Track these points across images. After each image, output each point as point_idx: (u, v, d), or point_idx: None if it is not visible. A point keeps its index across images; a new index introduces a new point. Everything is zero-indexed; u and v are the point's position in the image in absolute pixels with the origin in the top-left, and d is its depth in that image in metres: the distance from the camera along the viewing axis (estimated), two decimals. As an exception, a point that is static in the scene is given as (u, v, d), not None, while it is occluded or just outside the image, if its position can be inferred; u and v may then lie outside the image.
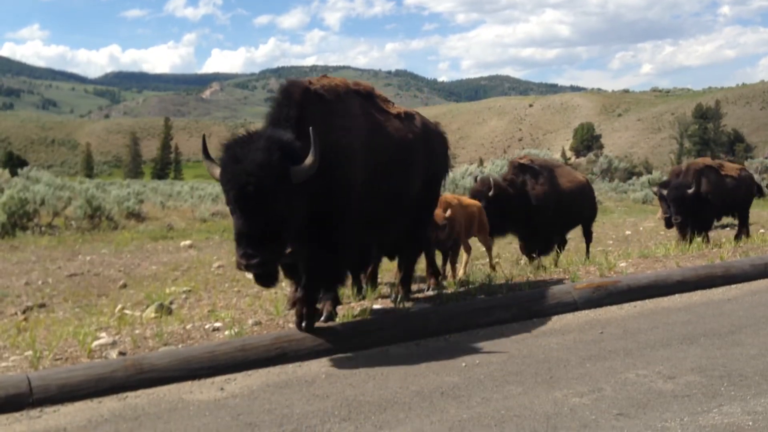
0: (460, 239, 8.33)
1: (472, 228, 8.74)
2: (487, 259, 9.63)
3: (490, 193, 9.20)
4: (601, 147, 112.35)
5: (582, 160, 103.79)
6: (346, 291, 6.52)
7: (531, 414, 3.77)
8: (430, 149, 6.36)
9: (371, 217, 5.58)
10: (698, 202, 11.16)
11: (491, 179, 9.54)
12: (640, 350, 4.91)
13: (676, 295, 6.62)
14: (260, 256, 4.47)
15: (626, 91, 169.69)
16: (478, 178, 10.03)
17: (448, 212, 7.54)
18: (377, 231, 5.92)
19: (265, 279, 4.82)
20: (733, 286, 6.98)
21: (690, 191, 11.04)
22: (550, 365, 4.63)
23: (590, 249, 11.02)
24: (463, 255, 8.83)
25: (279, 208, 4.52)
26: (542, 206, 9.73)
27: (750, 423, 3.54)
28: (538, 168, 9.89)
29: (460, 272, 8.45)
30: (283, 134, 4.71)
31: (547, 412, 3.79)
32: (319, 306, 5.41)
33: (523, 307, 5.95)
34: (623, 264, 7.80)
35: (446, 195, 8.14)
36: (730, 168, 12.27)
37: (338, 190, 5.10)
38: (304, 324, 5.10)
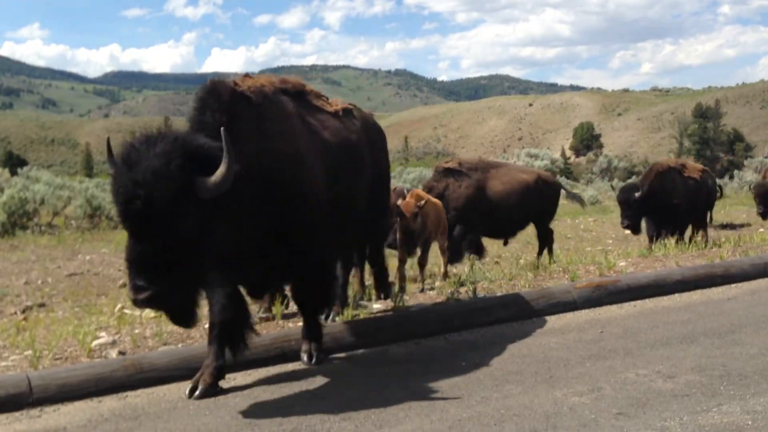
0: (431, 238, 7.93)
1: (438, 229, 8.28)
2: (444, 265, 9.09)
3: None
4: (601, 146, 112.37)
5: (582, 159, 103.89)
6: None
7: (531, 413, 3.77)
8: (373, 146, 5.80)
9: (333, 224, 4.97)
10: (662, 206, 10.76)
11: (404, 190, 8.96)
12: (639, 349, 4.91)
13: (676, 295, 6.62)
14: (152, 289, 3.59)
15: (626, 91, 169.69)
16: (395, 190, 9.58)
17: (422, 202, 7.19)
18: (341, 239, 5.33)
19: (176, 316, 3.94)
20: (733, 285, 6.98)
21: (638, 194, 10.64)
22: (549, 364, 4.63)
23: (552, 250, 10.47)
24: (441, 257, 8.53)
25: (181, 228, 3.64)
26: (461, 210, 9.48)
27: (749, 422, 3.54)
28: (464, 171, 9.59)
29: (442, 272, 8.30)
30: (196, 138, 3.86)
31: (546, 411, 3.79)
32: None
33: (523, 307, 5.95)
34: (623, 263, 7.80)
35: (417, 190, 7.95)
36: (693, 169, 11.84)
37: (295, 203, 4.41)
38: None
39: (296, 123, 4.70)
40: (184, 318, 3.94)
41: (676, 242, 10.02)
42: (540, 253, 10.44)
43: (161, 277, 3.60)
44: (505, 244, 11.31)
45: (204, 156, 3.75)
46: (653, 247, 10.07)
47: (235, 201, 3.88)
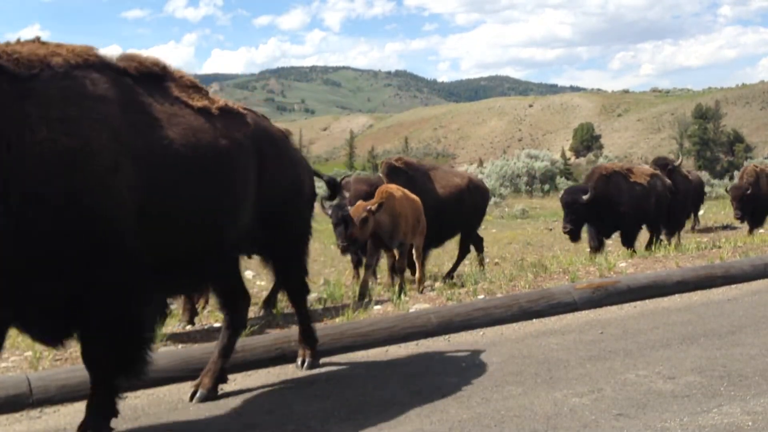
0: (407, 240, 7.29)
1: (417, 228, 7.65)
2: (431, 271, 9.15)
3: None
4: (601, 147, 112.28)
5: (582, 160, 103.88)
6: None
7: (531, 414, 3.77)
8: (267, 164, 4.31)
9: (163, 257, 3.66)
10: (606, 212, 10.10)
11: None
12: (640, 350, 4.91)
13: (676, 296, 6.63)
14: None
15: (626, 92, 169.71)
16: (353, 177, 9.25)
17: (374, 206, 6.54)
18: (176, 278, 3.99)
19: None
20: (733, 286, 6.98)
21: (585, 197, 9.88)
22: (549, 365, 4.63)
23: (460, 263, 9.91)
24: (417, 265, 7.94)
25: None
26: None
27: (750, 423, 3.54)
28: (410, 173, 9.02)
29: (417, 283, 7.66)
30: None
31: (547, 412, 3.79)
32: None
33: (523, 308, 5.95)
34: (623, 264, 7.81)
35: (389, 185, 7.38)
36: (640, 174, 11.04)
37: (66, 222, 3.16)
38: None
39: (104, 110, 3.43)
40: None
41: (631, 255, 9.44)
42: (457, 263, 9.79)
43: None
44: (436, 246, 10.20)
45: None
46: (595, 258, 9.40)
47: None
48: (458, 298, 6.38)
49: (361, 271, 8.10)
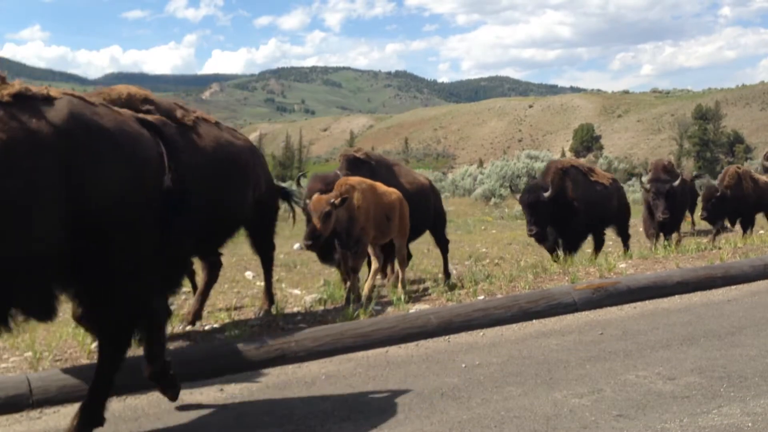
0: (366, 238, 6.58)
1: (389, 226, 6.89)
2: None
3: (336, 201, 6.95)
4: (601, 148, 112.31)
5: (582, 161, 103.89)
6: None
7: (531, 415, 3.77)
8: (83, 170, 3.34)
9: None
10: (561, 209, 9.27)
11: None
12: (639, 351, 4.91)
13: (676, 296, 6.62)
14: None
15: (626, 92, 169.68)
16: (310, 175, 8.17)
17: (337, 200, 6.04)
18: None
19: None
20: (733, 287, 6.98)
21: (546, 194, 9.08)
22: (549, 366, 4.63)
23: (447, 257, 9.06)
24: (373, 263, 7.32)
25: None
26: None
27: (749, 424, 3.54)
28: (374, 165, 8.14)
29: (365, 288, 6.77)
30: None
31: (546, 413, 3.79)
32: None
33: (523, 308, 5.95)
34: (623, 265, 7.80)
35: (351, 177, 6.74)
36: (601, 174, 10.29)
37: None
38: None
39: None
40: None
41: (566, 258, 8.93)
42: (446, 262, 9.01)
43: None
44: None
45: None
46: (553, 259, 8.93)
47: None
48: (458, 298, 6.38)
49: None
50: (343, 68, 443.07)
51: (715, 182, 14.03)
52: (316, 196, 6.16)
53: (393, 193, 7.04)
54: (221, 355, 4.75)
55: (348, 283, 6.64)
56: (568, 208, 9.37)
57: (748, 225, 13.87)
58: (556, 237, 9.69)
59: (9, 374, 4.45)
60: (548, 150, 63.40)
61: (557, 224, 9.45)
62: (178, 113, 5.33)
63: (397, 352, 5.10)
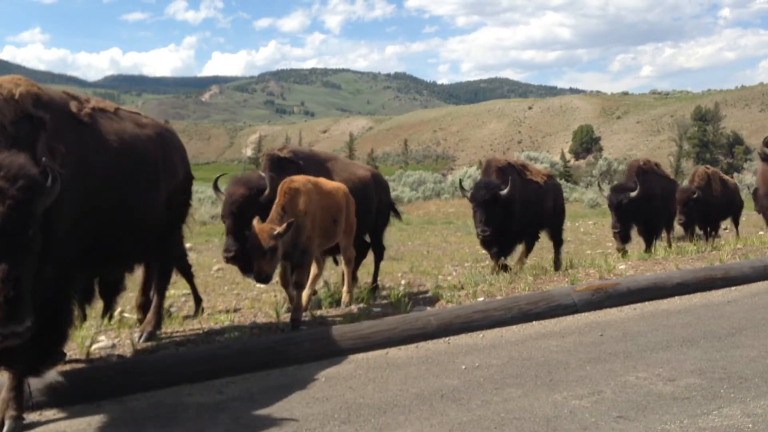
0: (313, 248, 5.86)
1: (335, 229, 6.24)
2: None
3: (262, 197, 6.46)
4: (601, 149, 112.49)
5: (581, 162, 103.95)
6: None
7: (531, 416, 3.76)
8: None
9: None
10: (503, 211, 8.47)
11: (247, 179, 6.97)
12: (639, 353, 4.91)
13: (676, 298, 6.62)
14: None
15: (625, 94, 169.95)
16: (230, 178, 7.27)
17: (281, 229, 5.22)
18: None
19: None
20: (733, 288, 6.98)
21: (503, 192, 8.30)
22: (549, 368, 4.63)
23: (379, 265, 8.38)
24: (313, 268, 6.47)
25: None
26: None
27: (750, 425, 3.54)
28: (301, 163, 7.20)
29: (305, 295, 6.09)
30: None
31: (547, 414, 3.79)
32: None
33: (523, 310, 5.95)
34: (623, 266, 7.80)
35: (296, 178, 5.89)
36: (536, 172, 9.56)
37: None
38: None
39: None
40: None
41: (497, 270, 8.28)
42: (377, 270, 8.31)
43: None
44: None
45: None
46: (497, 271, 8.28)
47: None
48: (458, 300, 6.38)
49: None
50: (343, 70, 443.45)
51: (684, 184, 13.10)
52: (257, 226, 5.27)
53: (339, 189, 6.38)
54: (221, 357, 4.75)
55: (288, 300, 5.95)
56: (508, 211, 8.61)
57: (713, 229, 12.98)
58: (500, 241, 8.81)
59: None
60: (548, 151, 63.46)
61: (501, 230, 8.59)
62: (73, 106, 4.46)
63: (397, 354, 5.09)
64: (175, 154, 5.47)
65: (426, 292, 7.41)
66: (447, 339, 5.42)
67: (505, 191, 8.34)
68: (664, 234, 11.98)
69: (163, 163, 5.18)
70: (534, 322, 5.86)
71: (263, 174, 6.74)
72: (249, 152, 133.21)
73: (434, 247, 13.97)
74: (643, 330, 5.53)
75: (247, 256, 5.59)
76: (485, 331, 5.60)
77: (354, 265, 6.99)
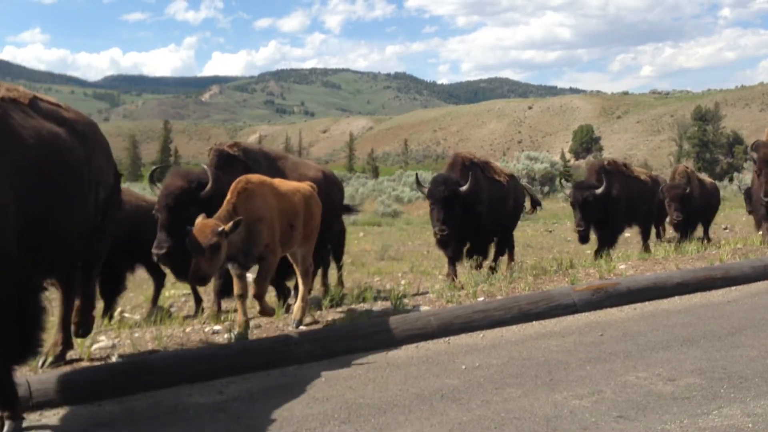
0: (274, 257, 5.24)
1: (292, 235, 5.47)
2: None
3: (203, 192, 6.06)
4: (601, 149, 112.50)
5: (581, 162, 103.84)
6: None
7: (531, 416, 3.77)
8: None
9: None
10: (464, 209, 8.02)
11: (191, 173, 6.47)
12: (640, 352, 4.91)
13: (676, 297, 6.62)
14: None
15: (625, 93, 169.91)
16: (170, 171, 6.80)
17: (227, 226, 4.66)
18: None
19: None
20: (733, 288, 6.97)
21: (463, 189, 7.85)
22: (549, 368, 4.63)
23: (341, 272, 8.06)
24: (236, 287, 5.40)
25: None
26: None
27: (750, 425, 3.54)
28: (250, 162, 6.71)
29: (239, 319, 5.29)
30: None
31: (547, 414, 3.79)
32: None
33: (523, 310, 5.95)
34: (623, 266, 7.80)
35: (252, 177, 5.27)
36: (499, 170, 9.04)
37: None
38: None
39: None
40: None
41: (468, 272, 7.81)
42: (340, 276, 7.99)
43: None
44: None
45: None
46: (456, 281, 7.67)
47: None
48: (458, 300, 6.38)
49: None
50: (343, 70, 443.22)
51: (668, 181, 12.15)
52: (200, 221, 4.72)
53: (297, 191, 5.68)
54: (221, 357, 4.75)
55: (240, 315, 5.25)
56: (472, 209, 8.17)
57: (688, 230, 12.14)
58: (461, 244, 8.45)
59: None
60: (548, 151, 63.43)
61: (464, 231, 8.22)
62: None
63: (397, 354, 5.09)
64: (101, 153, 4.72)
65: (426, 292, 7.41)
66: (447, 339, 5.42)
67: (464, 188, 7.86)
68: (652, 232, 11.55)
69: (89, 165, 4.43)
70: (534, 322, 5.86)
71: (207, 168, 6.30)
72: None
73: (434, 246, 13.94)
74: (643, 330, 5.53)
75: (183, 257, 5.06)
76: (485, 331, 5.60)
77: (313, 277, 6.25)
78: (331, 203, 7.44)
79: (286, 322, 5.69)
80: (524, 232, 17.86)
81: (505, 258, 9.76)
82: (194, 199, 5.90)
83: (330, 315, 6.08)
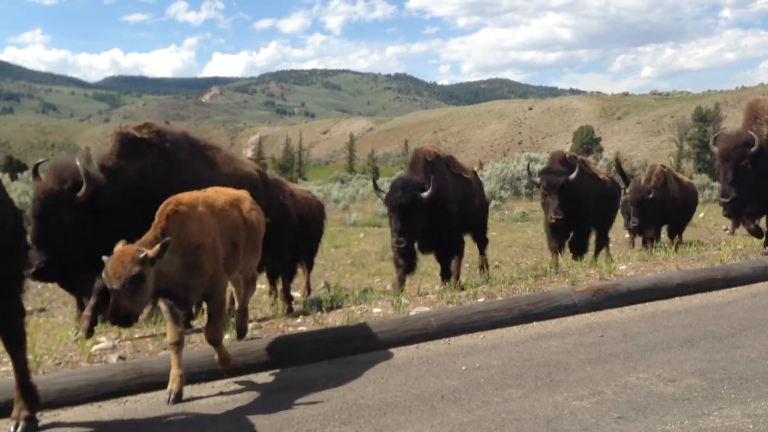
0: (218, 287, 4.38)
1: (235, 254, 4.60)
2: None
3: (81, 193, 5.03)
4: (601, 150, 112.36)
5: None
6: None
7: (531, 417, 3.76)
8: None
9: None
10: (436, 212, 7.34)
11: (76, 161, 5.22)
12: (640, 353, 4.90)
13: (676, 298, 6.61)
14: None
15: (626, 94, 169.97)
16: (49, 164, 5.57)
17: (152, 250, 3.73)
18: None
19: None
20: (733, 288, 6.97)
21: (425, 195, 7.11)
22: (550, 368, 4.62)
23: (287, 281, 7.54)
24: (169, 328, 4.32)
25: None
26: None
27: (750, 426, 3.54)
28: (168, 146, 5.60)
29: (173, 370, 4.24)
30: None
31: (547, 415, 3.79)
32: None
33: (523, 311, 5.94)
34: (623, 267, 7.80)
35: (183, 196, 4.25)
36: (464, 167, 8.47)
37: None
38: None
39: None
40: None
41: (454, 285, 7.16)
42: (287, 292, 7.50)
43: None
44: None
45: None
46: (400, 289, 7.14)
47: None
48: (458, 301, 6.37)
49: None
50: (343, 71, 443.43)
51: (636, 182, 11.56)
52: (118, 249, 3.76)
53: (234, 202, 4.74)
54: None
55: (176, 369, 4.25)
56: (441, 210, 7.47)
57: (676, 233, 11.70)
58: (425, 247, 7.78)
59: (9, 378, 4.44)
60: (548, 152, 63.41)
61: (429, 232, 7.52)
62: None
63: (398, 354, 5.09)
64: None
65: (426, 292, 7.41)
66: (447, 340, 5.42)
67: (426, 194, 7.04)
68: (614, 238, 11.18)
69: None
70: (534, 322, 5.85)
71: (111, 155, 5.05)
72: (249, 153, 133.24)
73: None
74: (643, 331, 5.52)
75: (66, 273, 4.35)
76: (486, 331, 5.59)
77: (252, 290, 5.43)
78: (270, 203, 6.49)
79: (286, 323, 5.69)
80: (524, 233, 17.88)
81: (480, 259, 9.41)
82: (69, 204, 4.85)
83: (330, 316, 6.08)
